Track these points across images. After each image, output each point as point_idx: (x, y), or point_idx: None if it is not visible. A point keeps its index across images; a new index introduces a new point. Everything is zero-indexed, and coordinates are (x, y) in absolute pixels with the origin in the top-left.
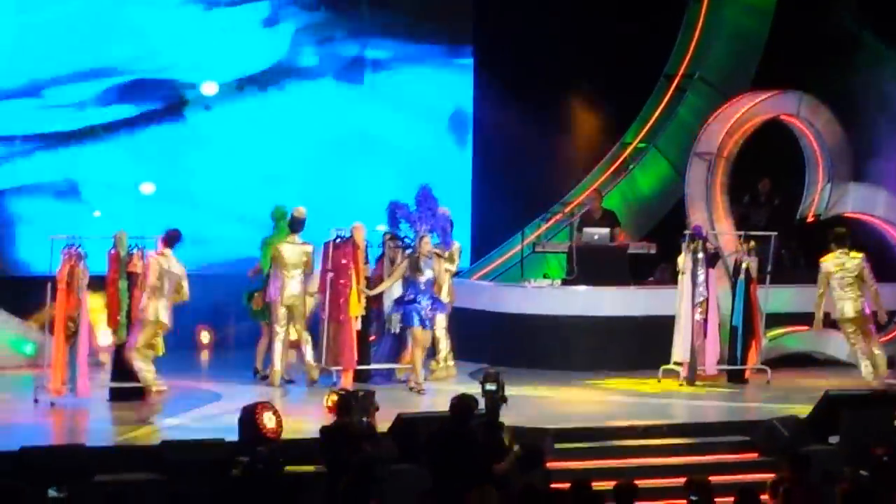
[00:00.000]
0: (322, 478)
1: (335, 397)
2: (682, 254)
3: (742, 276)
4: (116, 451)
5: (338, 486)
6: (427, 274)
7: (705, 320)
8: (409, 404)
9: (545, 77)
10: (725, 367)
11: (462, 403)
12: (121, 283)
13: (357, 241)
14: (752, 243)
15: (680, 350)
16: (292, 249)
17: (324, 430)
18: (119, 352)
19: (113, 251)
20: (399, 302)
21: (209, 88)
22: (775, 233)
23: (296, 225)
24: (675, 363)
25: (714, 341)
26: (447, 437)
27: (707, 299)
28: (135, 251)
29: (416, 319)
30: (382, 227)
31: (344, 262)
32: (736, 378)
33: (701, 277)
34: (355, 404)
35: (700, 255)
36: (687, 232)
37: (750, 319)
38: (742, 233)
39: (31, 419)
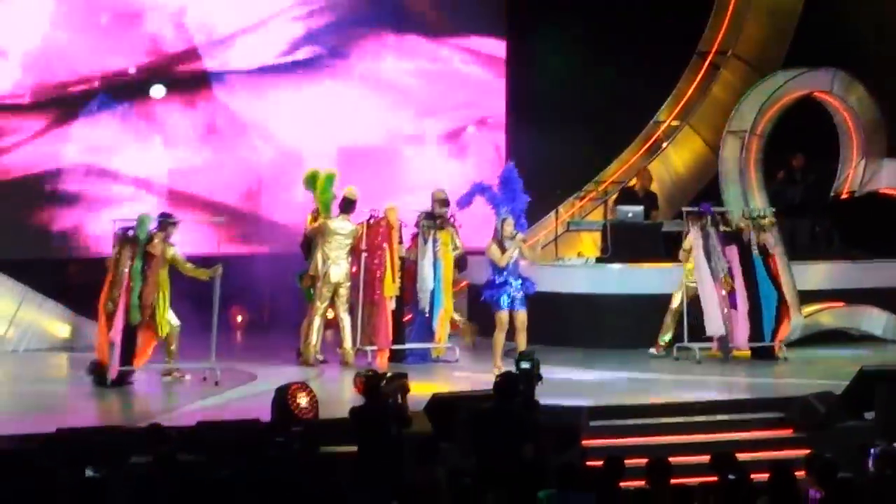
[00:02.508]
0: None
1: (363, 378)
2: (690, 233)
3: (757, 252)
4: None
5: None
6: (512, 256)
7: (731, 293)
8: (445, 384)
9: (577, 56)
10: (755, 343)
11: (508, 381)
12: (136, 262)
13: (391, 221)
14: (767, 220)
15: (712, 325)
16: (342, 228)
17: (353, 411)
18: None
19: (131, 232)
20: (488, 286)
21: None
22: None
23: (347, 205)
24: (705, 339)
25: (744, 316)
26: (492, 415)
27: (730, 273)
28: (157, 233)
29: (504, 302)
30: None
31: (378, 241)
32: (763, 354)
33: (718, 251)
34: (385, 386)
35: (711, 230)
36: (685, 209)
37: (777, 295)
38: (745, 208)
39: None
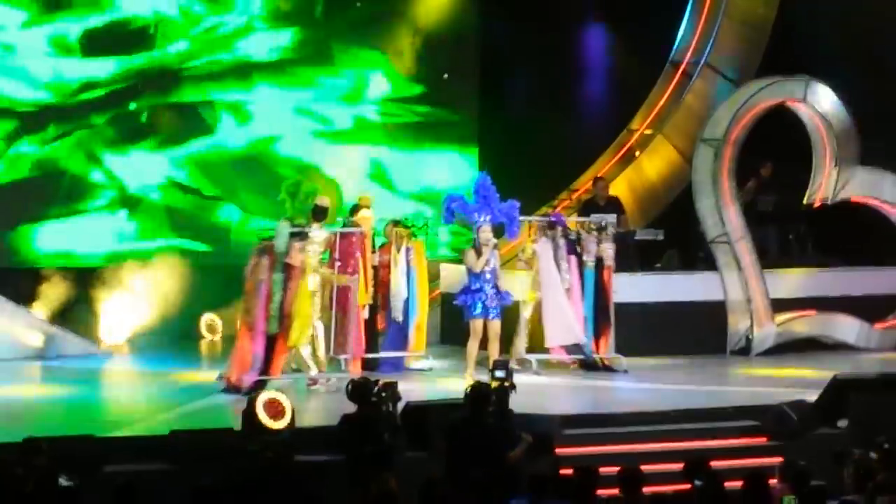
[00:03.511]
0: (335, 466)
1: (352, 385)
2: (534, 240)
3: (591, 264)
4: (126, 441)
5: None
6: (490, 263)
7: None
8: (417, 393)
9: (549, 64)
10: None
11: (479, 391)
12: (275, 275)
13: (364, 230)
14: (605, 232)
15: (568, 334)
16: (316, 237)
17: (345, 418)
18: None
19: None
20: (463, 292)
21: None
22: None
23: (319, 213)
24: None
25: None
26: (463, 425)
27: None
28: (296, 243)
29: (478, 308)
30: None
31: (350, 249)
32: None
33: (564, 265)
34: (378, 393)
35: (561, 242)
36: (533, 218)
37: (603, 307)
38: (581, 219)
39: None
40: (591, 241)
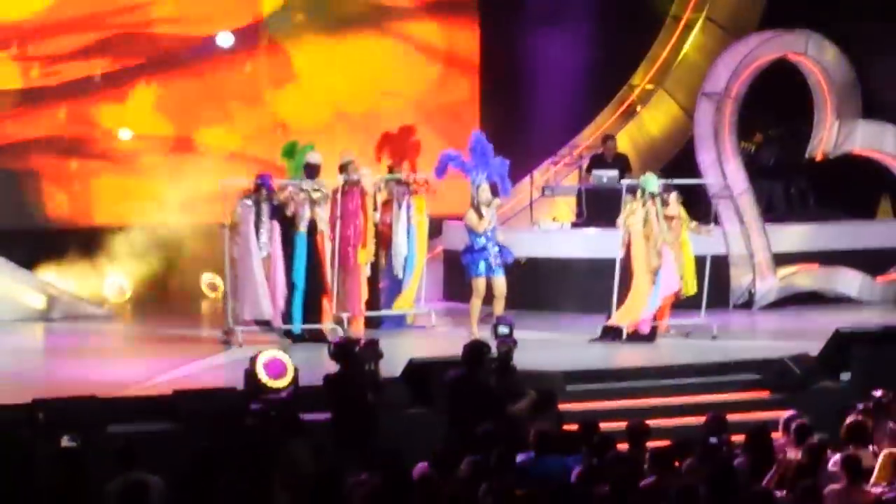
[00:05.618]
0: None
1: (335, 345)
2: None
3: (303, 228)
4: (129, 401)
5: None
6: (491, 221)
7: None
8: (421, 349)
9: (551, 18)
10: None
11: (473, 349)
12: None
13: (365, 188)
14: (320, 193)
15: (256, 308)
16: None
17: (327, 378)
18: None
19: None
20: (467, 251)
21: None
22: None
23: (311, 171)
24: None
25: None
26: (460, 382)
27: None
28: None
29: (482, 267)
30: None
31: (352, 208)
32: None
33: (265, 231)
34: (359, 352)
35: (265, 204)
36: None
37: (317, 274)
38: (297, 182)
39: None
40: (300, 206)
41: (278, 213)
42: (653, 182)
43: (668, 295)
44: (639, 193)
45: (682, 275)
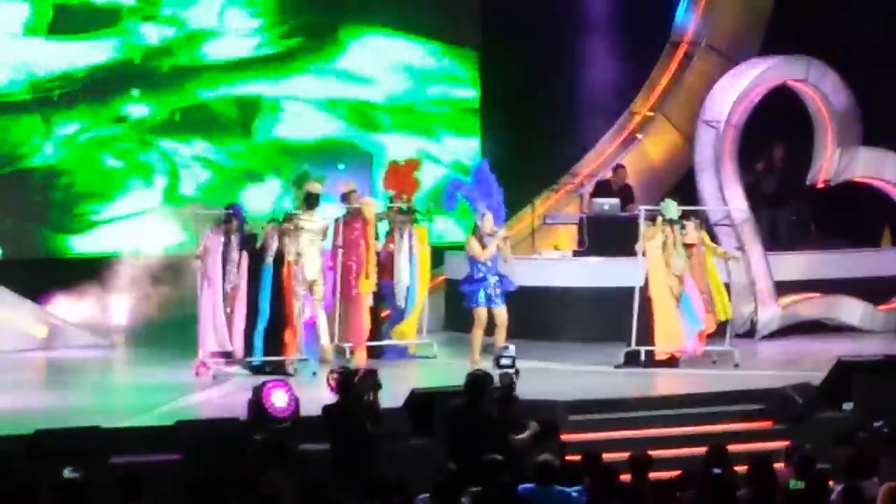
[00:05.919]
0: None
1: (335, 376)
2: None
3: (270, 259)
4: (132, 431)
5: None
6: (493, 252)
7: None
8: (423, 379)
9: (552, 47)
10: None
11: (476, 379)
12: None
13: (367, 217)
14: (291, 224)
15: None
16: (309, 226)
17: (325, 409)
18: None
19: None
20: (466, 281)
21: None
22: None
23: (311, 201)
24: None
25: (239, 331)
26: (462, 413)
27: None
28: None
29: (481, 297)
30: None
31: (354, 237)
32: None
33: (233, 263)
34: (356, 382)
35: (234, 237)
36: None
37: (282, 306)
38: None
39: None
40: (272, 238)
41: (249, 243)
42: (672, 209)
43: (706, 317)
44: (658, 220)
45: (714, 300)
